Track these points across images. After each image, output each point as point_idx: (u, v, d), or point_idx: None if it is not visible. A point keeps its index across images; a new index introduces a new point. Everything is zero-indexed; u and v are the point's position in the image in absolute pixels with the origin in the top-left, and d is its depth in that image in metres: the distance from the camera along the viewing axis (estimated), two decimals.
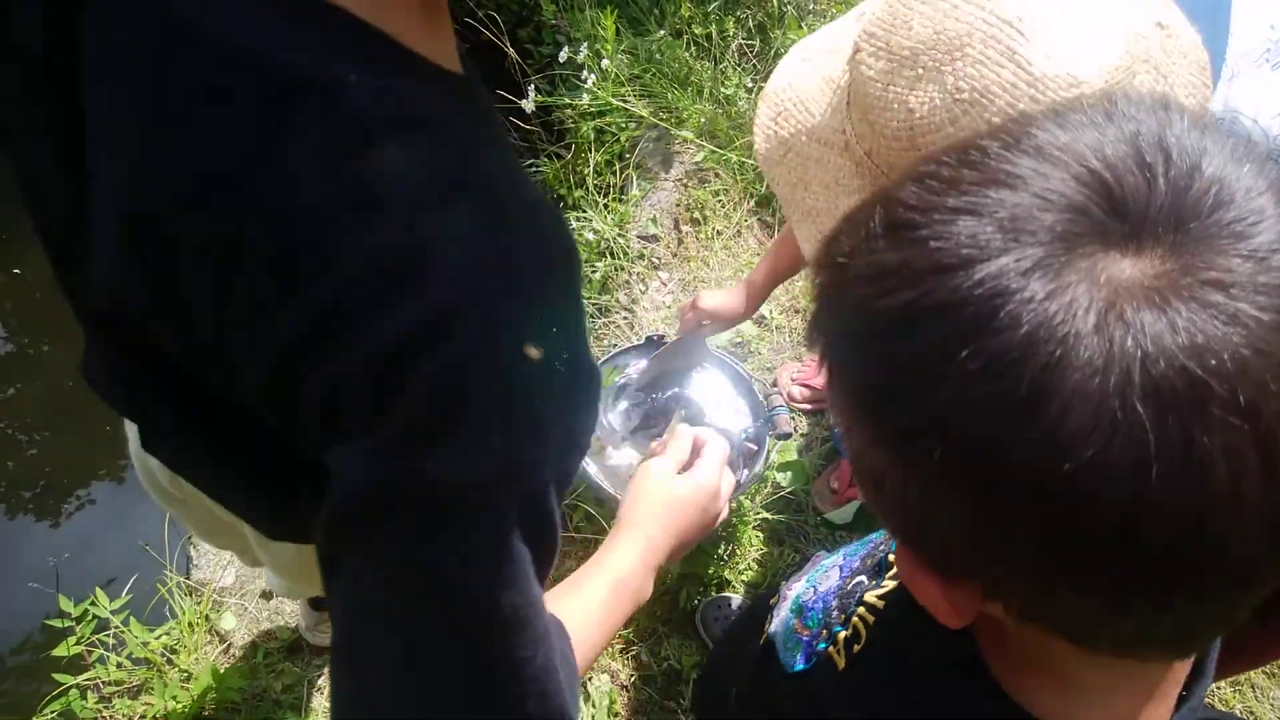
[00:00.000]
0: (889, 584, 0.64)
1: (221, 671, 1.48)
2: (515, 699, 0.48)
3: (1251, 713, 1.71)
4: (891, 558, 0.67)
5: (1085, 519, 0.31)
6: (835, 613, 0.68)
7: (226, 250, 0.45)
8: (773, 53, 2.49)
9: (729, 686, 0.94)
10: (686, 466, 0.83)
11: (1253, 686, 1.75)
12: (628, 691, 1.63)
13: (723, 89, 2.38)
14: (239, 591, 1.67)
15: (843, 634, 0.64)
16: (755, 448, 1.68)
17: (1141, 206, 0.31)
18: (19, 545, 1.96)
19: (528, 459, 0.46)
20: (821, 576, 0.76)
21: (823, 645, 0.67)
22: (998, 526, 0.34)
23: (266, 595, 1.68)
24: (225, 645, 1.61)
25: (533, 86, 2.25)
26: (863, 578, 0.69)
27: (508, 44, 2.38)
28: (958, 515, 0.35)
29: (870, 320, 0.36)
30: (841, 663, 0.63)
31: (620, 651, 1.65)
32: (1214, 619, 0.37)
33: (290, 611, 1.67)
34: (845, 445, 0.47)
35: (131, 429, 0.87)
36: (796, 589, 0.78)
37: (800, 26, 2.53)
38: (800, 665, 0.70)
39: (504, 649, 0.47)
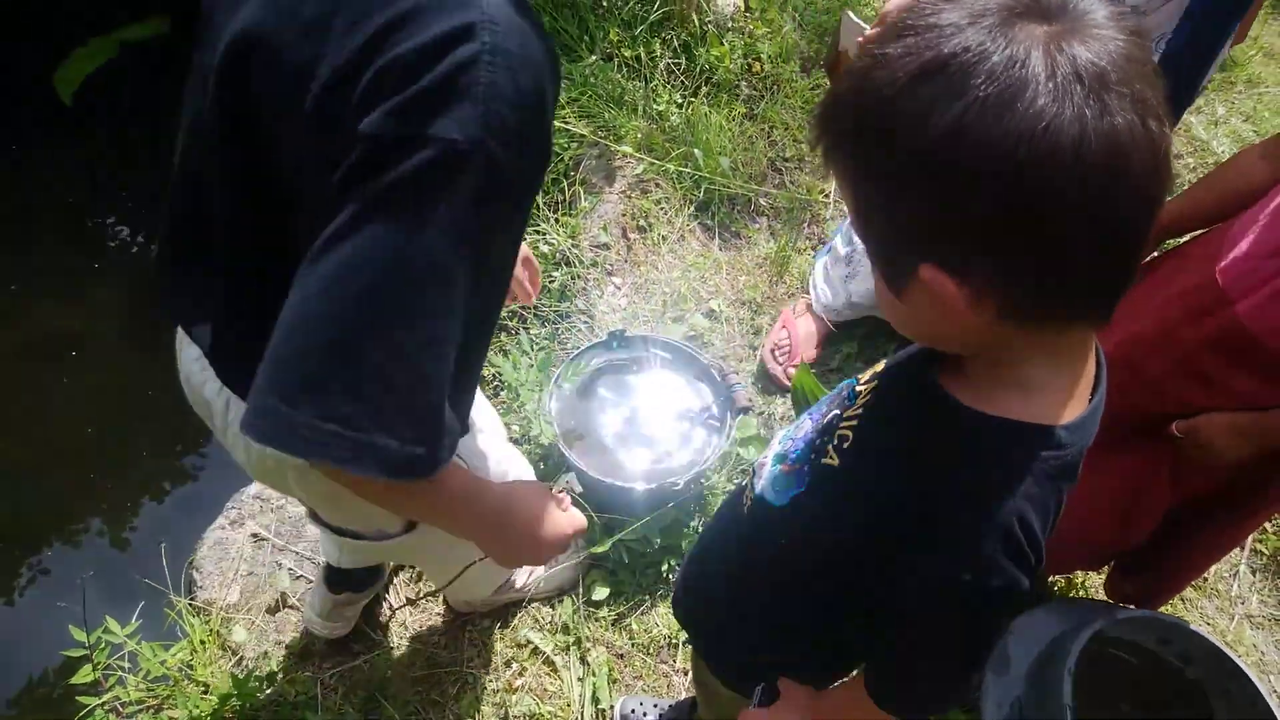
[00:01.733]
0: (864, 388, 0.81)
1: (240, 678, 1.56)
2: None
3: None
4: (859, 386, 0.84)
5: (1039, 186, 0.53)
6: (819, 440, 0.84)
7: None
8: (698, 69, 2.67)
9: (717, 566, 1.07)
10: None
11: (1182, 599, 1.95)
12: (623, 660, 1.75)
13: (655, 105, 2.55)
14: (245, 607, 1.75)
15: (832, 445, 0.80)
16: (717, 423, 1.83)
17: (1045, 3, 0.55)
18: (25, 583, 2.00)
19: (496, 143, 0.69)
20: (794, 429, 0.91)
21: (814, 463, 0.83)
22: (974, 210, 0.56)
23: (272, 610, 1.76)
24: (238, 658, 1.69)
25: None
26: (835, 410, 0.85)
27: None
28: (936, 207, 0.58)
29: (889, 86, 0.56)
30: (836, 461, 0.79)
31: (613, 624, 1.78)
32: (1114, 277, 0.60)
33: (295, 622, 1.75)
34: (854, 222, 0.67)
35: (189, 363, 1.06)
36: (773, 450, 0.93)
37: (721, 43, 2.72)
38: (795, 491, 0.84)
39: (428, 314, 0.72)
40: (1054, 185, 0.53)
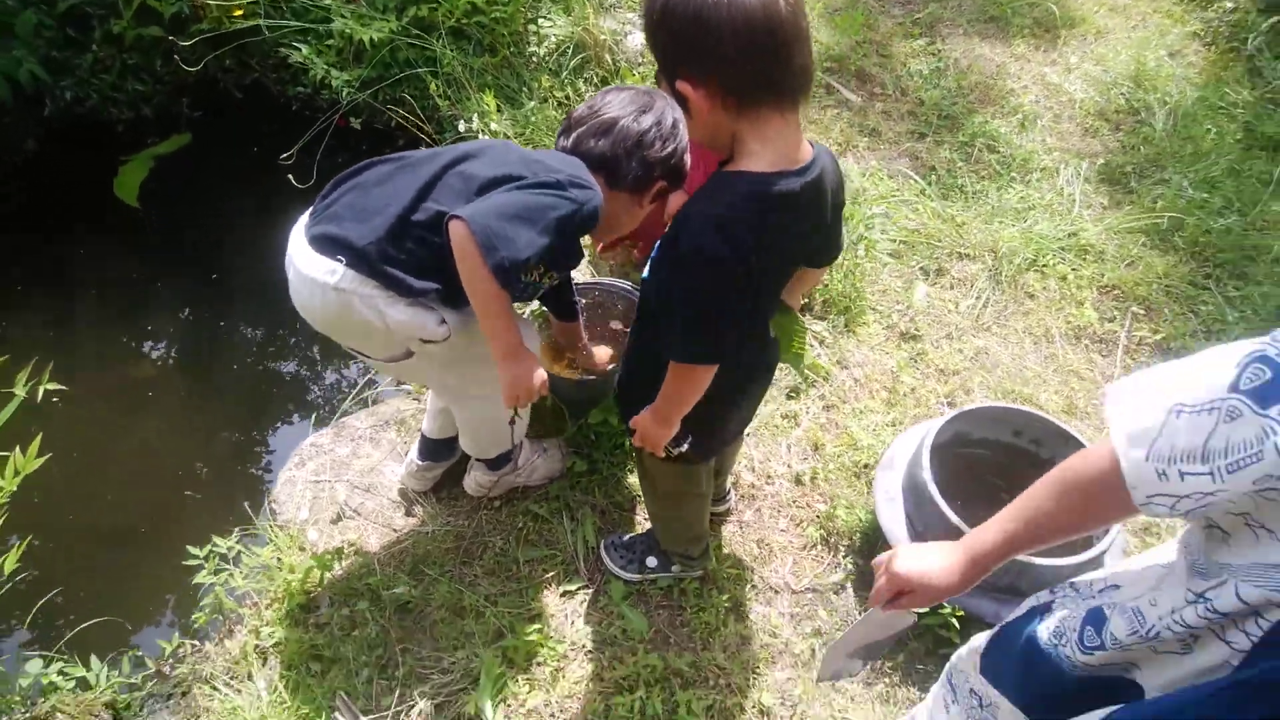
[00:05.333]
0: None
1: (317, 554, 2.10)
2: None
3: None
4: None
5: (734, 29, 1.10)
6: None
7: None
8: None
9: (630, 366, 1.66)
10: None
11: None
12: (604, 515, 2.27)
13: None
14: (313, 521, 2.30)
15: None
16: None
17: None
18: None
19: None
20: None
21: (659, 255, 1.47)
22: (727, 51, 1.13)
23: (334, 520, 2.30)
24: (312, 551, 2.23)
25: None
26: None
27: (426, 133, 3.20)
28: (684, 43, 1.17)
29: None
30: (646, 273, 1.43)
31: (597, 488, 2.31)
32: (777, 76, 1.15)
33: (355, 526, 2.29)
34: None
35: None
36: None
37: (634, 74, 3.38)
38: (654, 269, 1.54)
39: None
40: (740, 27, 1.10)
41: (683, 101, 1.21)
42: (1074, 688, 1.03)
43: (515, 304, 2.13)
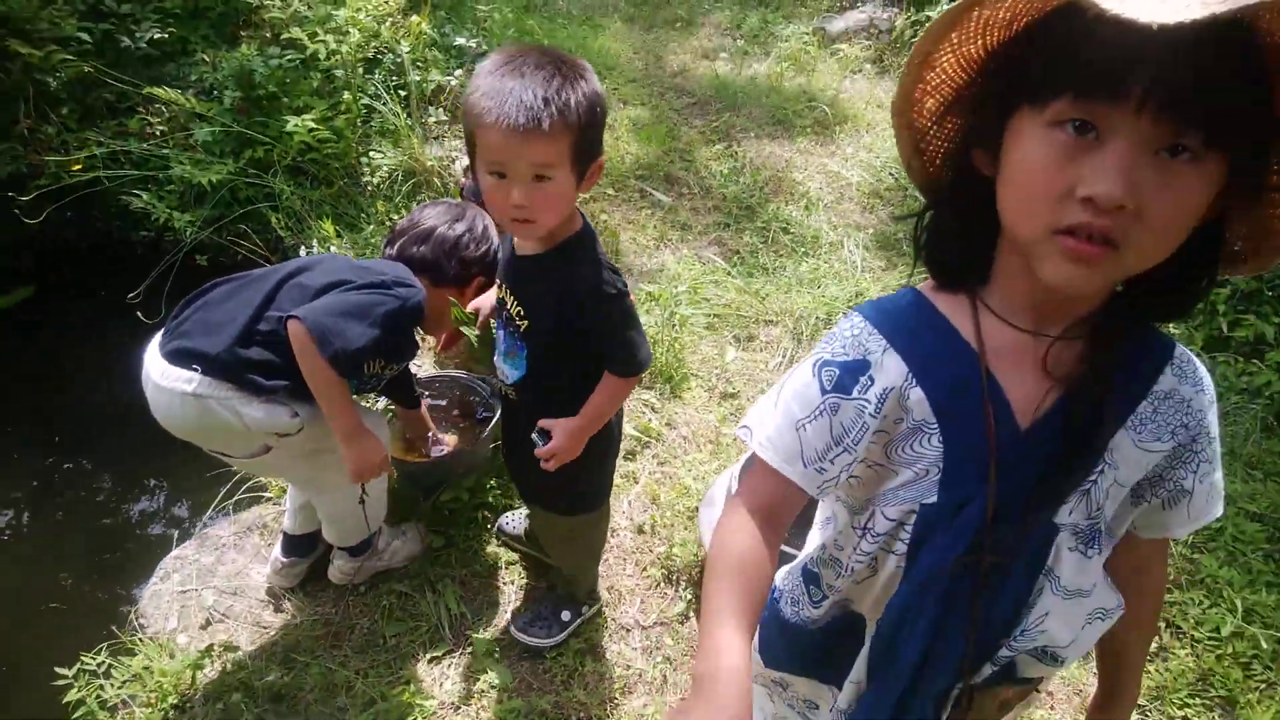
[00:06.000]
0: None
1: (186, 656, 2.20)
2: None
3: None
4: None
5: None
6: (508, 324, 1.80)
7: None
8: None
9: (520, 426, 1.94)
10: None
11: None
12: (465, 583, 2.47)
13: None
14: (182, 629, 2.39)
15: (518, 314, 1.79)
16: (488, 412, 2.66)
17: None
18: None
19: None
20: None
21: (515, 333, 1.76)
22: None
23: (203, 625, 2.40)
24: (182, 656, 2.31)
25: None
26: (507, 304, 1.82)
27: (272, 263, 3.43)
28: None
29: None
30: (527, 323, 1.73)
31: (455, 559, 2.51)
32: None
33: (223, 628, 2.39)
34: None
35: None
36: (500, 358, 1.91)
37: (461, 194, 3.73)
38: (522, 363, 1.77)
39: None
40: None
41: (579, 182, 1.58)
42: (825, 638, 1.24)
43: (363, 396, 2.37)
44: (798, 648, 1.28)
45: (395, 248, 2.18)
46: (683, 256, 3.85)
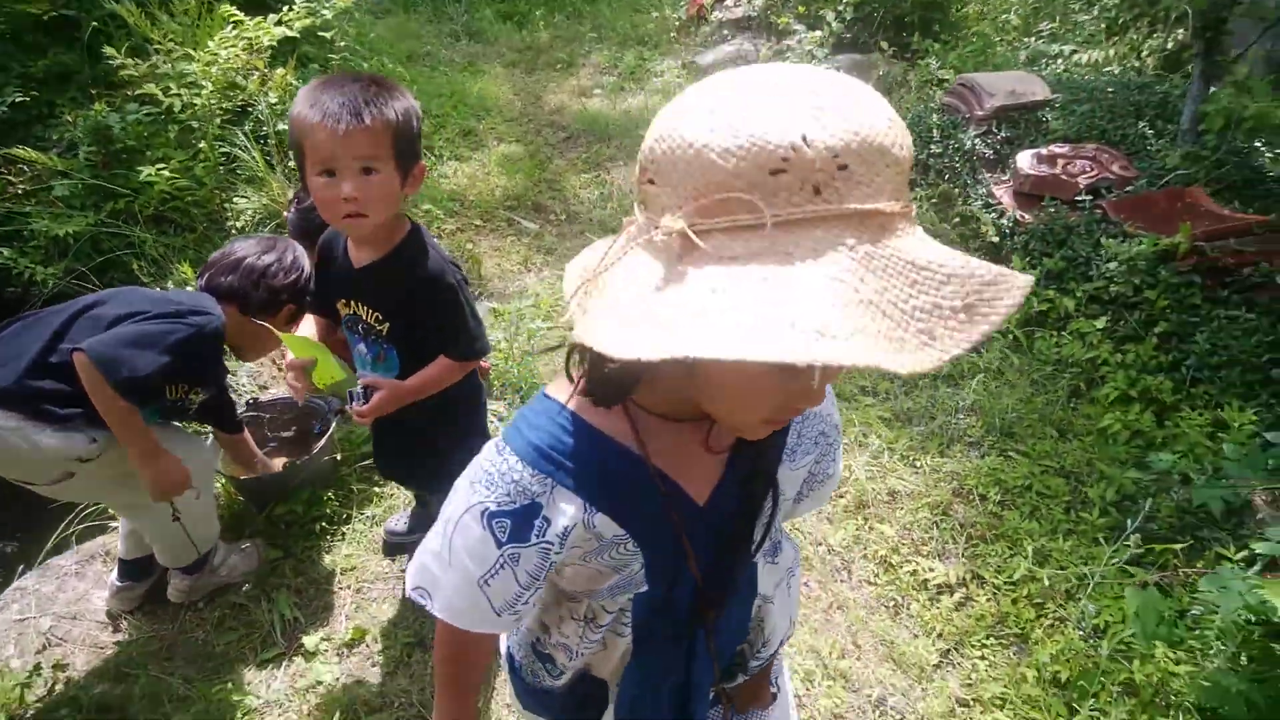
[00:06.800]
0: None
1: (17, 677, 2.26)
2: None
3: None
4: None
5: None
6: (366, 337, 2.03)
7: None
8: None
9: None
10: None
11: None
12: (300, 591, 2.56)
13: None
14: (18, 655, 2.44)
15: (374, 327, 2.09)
16: (324, 427, 2.77)
17: None
18: None
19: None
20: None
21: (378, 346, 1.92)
22: None
23: (41, 649, 2.45)
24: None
25: None
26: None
27: None
28: None
29: None
30: (386, 327, 1.89)
31: (290, 569, 2.59)
32: None
33: (58, 654, 2.44)
34: None
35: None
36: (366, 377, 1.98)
37: None
38: (389, 366, 1.99)
39: None
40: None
41: None
42: (574, 695, 1.23)
43: (186, 423, 2.47)
44: (549, 703, 1.29)
45: (205, 278, 2.29)
46: (545, 279, 4.02)
